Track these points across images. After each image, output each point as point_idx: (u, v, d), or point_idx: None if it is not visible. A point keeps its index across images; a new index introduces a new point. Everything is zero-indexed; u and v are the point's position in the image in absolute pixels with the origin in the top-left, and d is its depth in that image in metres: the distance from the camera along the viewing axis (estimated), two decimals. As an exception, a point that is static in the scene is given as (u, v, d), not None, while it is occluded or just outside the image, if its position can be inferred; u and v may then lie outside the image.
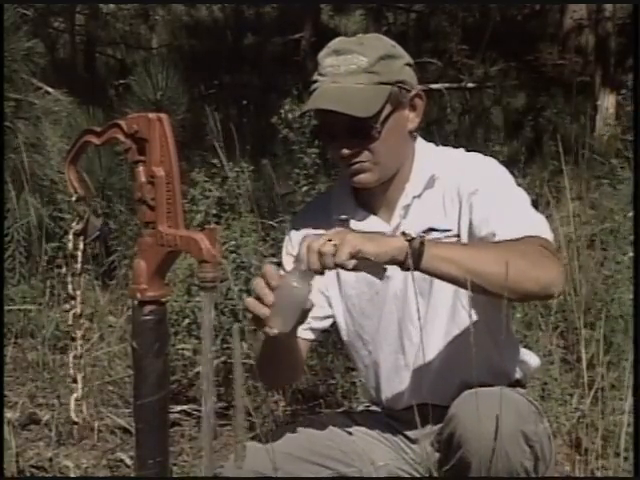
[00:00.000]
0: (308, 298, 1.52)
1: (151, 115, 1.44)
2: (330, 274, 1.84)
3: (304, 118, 3.37)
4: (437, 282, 1.75)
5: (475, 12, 8.76)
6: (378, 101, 1.72)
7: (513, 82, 7.67)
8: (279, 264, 1.93)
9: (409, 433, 1.85)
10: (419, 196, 1.79)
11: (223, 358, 2.78)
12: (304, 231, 1.85)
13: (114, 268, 3.62)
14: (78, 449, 2.58)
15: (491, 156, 1.83)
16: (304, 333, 1.82)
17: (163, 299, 1.46)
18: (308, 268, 1.50)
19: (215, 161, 3.55)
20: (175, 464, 2.45)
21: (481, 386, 1.67)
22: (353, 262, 1.50)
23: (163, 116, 1.44)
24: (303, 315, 1.55)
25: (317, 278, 1.83)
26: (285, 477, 1.73)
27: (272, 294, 1.50)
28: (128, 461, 2.48)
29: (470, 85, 7.58)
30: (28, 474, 2.42)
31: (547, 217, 1.78)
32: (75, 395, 1.52)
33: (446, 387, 1.79)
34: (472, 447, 1.57)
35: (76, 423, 1.52)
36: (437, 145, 1.87)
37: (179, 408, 2.80)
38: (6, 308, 3.20)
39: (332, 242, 1.50)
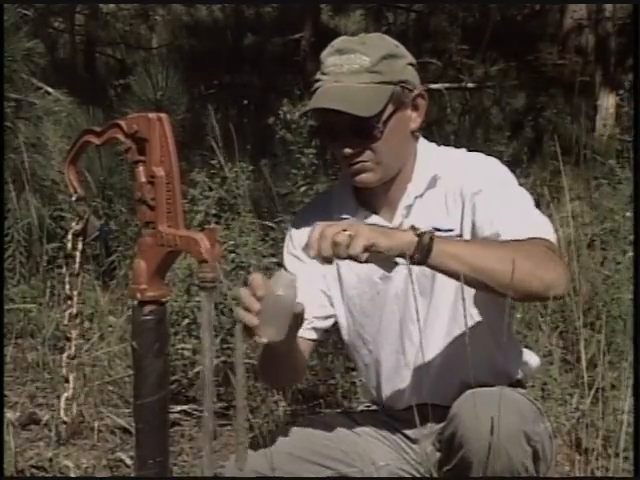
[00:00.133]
0: (296, 302, 1.51)
1: (151, 115, 1.44)
2: (331, 274, 1.84)
3: (301, 118, 3.38)
4: (439, 282, 1.76)
5: (475, 12, 8.76)
6: (380, 101, 1.72)
7: (513, 82, 7.67)
8: (279, 264, 1.93)
9: (410, 433, 1.85)
10: (421, 196, 1.79)
11: (223, 358, 2.78)
12: (305, 230, 1.85)
13: (114, 268, 3.62)
14: (78, 449, 2.58)
15: (493, 156, 1.83)
16: (307, 333, 1.82)
17: (163, 299, 1.46)
18: (318, 255, 1.49)
19: (214, 161, 3.55)
20: (175, 464, 2.45)
21: (482, 386, 1.67)
22: (366, 255, 1.49)
23: (163, 116, 1.44)
24: (296, 318, 1.54)
25: (317, 277, 1.84)
26: (285, 477, 1.73)
27: (258, 303, 1.49)
28: (128, 461, 2.48)
29: (470, 85, 7.57)
30: (28, 474, 2.42)
31: (547, 217, 1.78)
32: (66, 394, 1.52)
33: (447, 387, 1.80)
34: (473, 447, 1.57)
35: (65, 422, 1.52)
36: (438, 145, 1.87)
37: (179, 408, 2.80)
38: (6, 308, 3.20)
39: (347, 232, 1.49)
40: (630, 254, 3.26)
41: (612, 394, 2.46)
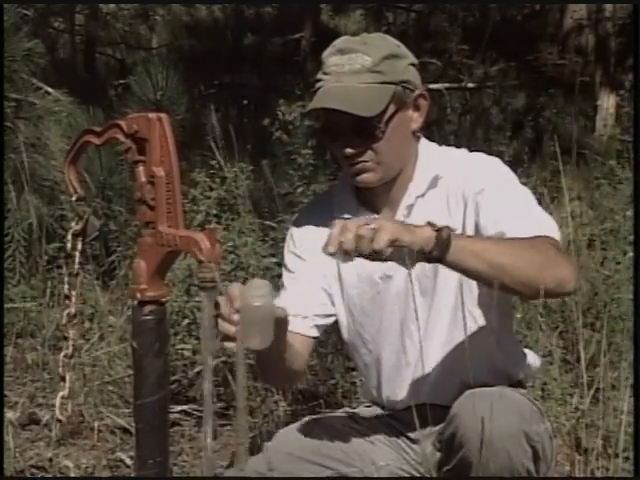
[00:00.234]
0: (276, 308, 1.48)
1: (151, 115, 1.44)
2: (332, 273, 1.84)
3: (298, 119, 3.38)
4: (440, 282, 1.76)
5: (475, 12, 8.75)
6: (382, 101, 1.72)
7: (513, 82, 7.67)
8: (279, 264, 1.93)
9: (410, 433, 1.85)
10: (422, 196, 1.79)
11: (223, 358, 2.78)
12: (306, 229, 1.86)
13: (114, 268, 3.62)
14: (78, 449, 2.58)
15: (493, 156, 1.83)
16: (307, 330, 1.82)
17: (163, 299, 1.46)
18: (340, 249, 1.45)
19: (214, 162, 3.56)
20: (175, 464, 2.45)
21: (482, 386, 1.67)
22: (390, 250, 1.46)
23: (163, 116, 1.44)
24: (279, 324, 1.51)
25: (318, 276, 1.84)
26: (285, 477, 1.73)
27: (236, 314, 1.45)
28: (128, 461, 2.48)
29: (470, 85, 7.57)
30: (28, 474, 2.42)
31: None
32: (62, 393, 1.52)
33: (447, 387, 1.80)
34: (473, 447, 1.57)
35: (60, 421, 1.52)
36: (440, 145, 1.87)
37: (179, 408, 2.80)
38: (6, 308, 3.20)
39: (370, 226, 1.46)
40: (630, 254, 3.26)
41: (612, 394, 2.46)
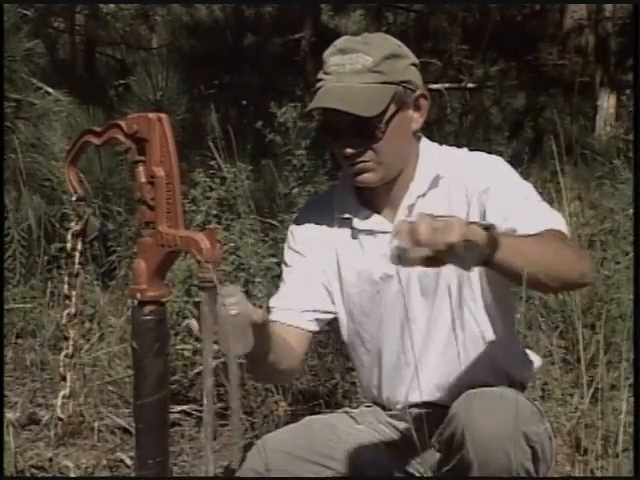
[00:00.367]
0: (253, 311, 1.46)
1: (151, 115, 1.43)
2: (332, 270, 1.84)
3: (288, 121, 3.38)
4: (442, 282, 1.76)
5: (475, 12, 8.76)
6: (383, 101, 1.72)
7: (513, 82, 7.67)
8: (280, 264, 1.93)
9: (410, 433, 1.84)
10: (423, 195, 1.79)
11: (223, 359, 2.77)
12: (306, 227, 1.86)
13: (114, 268, 3.62)
14: (78, 449, 2.58)
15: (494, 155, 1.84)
16: (306, 324, 1.82)
17: (163, 299, 1.46)
18: (415, 241, 1.38)
19: (214, 162, 3.56)
20: (175, 464, 2.46)
21: (483, 386, 1.67)
22: (463, 246, 1.41)
23: (163, 116, 1.44)
24: (259, 327, 1.49)
25: (318, 272, 1.84)
26: (285, 477, 1.73)
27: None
28: (128, 461, 2.48)
29: (470, 85, 7.58)
30: (28, 474, 2.42)
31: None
32: (63, 392, 1.52)
33: (448, 387, 1.80)
34: (473, 447, 1.57)
35: (62, 420, 1.53)
36: (440, 145, 1.87)
37: (179, 408, 2.80)
38: (6, 308, 3.20)
39: (442, 219, 1.41)
40: (630, 254, 3.26)
41: (612, 394, 2.46)
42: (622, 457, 2.15)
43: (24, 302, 3.34)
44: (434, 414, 1.80)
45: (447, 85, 7.30)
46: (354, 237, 1.83)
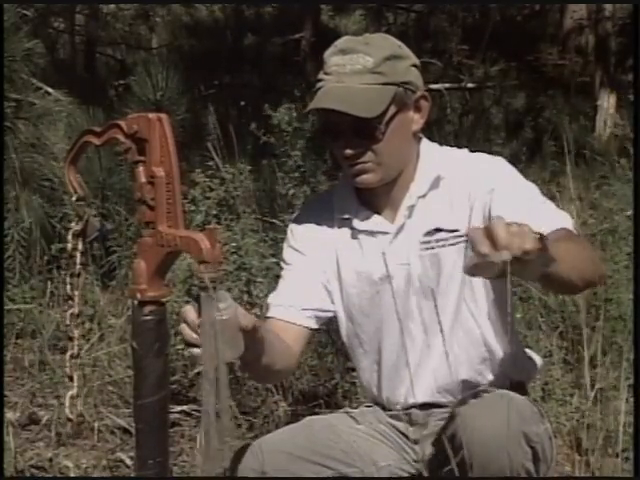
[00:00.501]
0: (242, 318, 1.45)
1: (151, 115, 1.43)
2: (331, 269, 1.84)
3: (282, 122, 3.39)
4: (442, 282, 1.76)
5: (475, 12, 8.76)
6: (383, 102, 1.71)
7: (513, 82, 7.67)
8: (279, 263, 1.93)
9: (410, 433, 1.84)
10: (424, 196, 1.79)
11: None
12: (306, 226, 1.86)
13: (114, 268, 3.62)
14: (78, 449, 2.58)
15: (494, 156, 1.83)
16: (304, 321, 1.82)
17: (163, 299, 1.46)
18: (497, 247, 1.33)
19: (213, 162, 3.56)
20: (175, 464, 2.46)
21: (483, 387, 1.67)
22: (536, 253, 1.36)
23: (163, 116, 1.43)
24: (249, 332, 1.47)
25: (318, 271, 1.84)
26: (285, 477, 1.73)
27: (198, 337, 1.42)
28: (128, 461, 2.48)
29: (470, 85, 7.58)
30: (28, 474, 2.42)
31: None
32: (71, 393, 1.52)
33: (448, 387, 1.80)
34: (474, 448, 1.57)
35: (71, 420, 1.53)
36: (440, 145, 1.87)
37: (179, 408, 2.80)
38: (6, 308, 3.20)
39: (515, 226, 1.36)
40: (630, 254, 3.26)
41: (612, 394, 2.46)
42: (622, 457, 2.15)
43: (24, 302, 3.34)
44: (434, 415, 1.80)
45: (447, 85, 7.30)
46: (354, 237, 1.83)
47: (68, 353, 1.53)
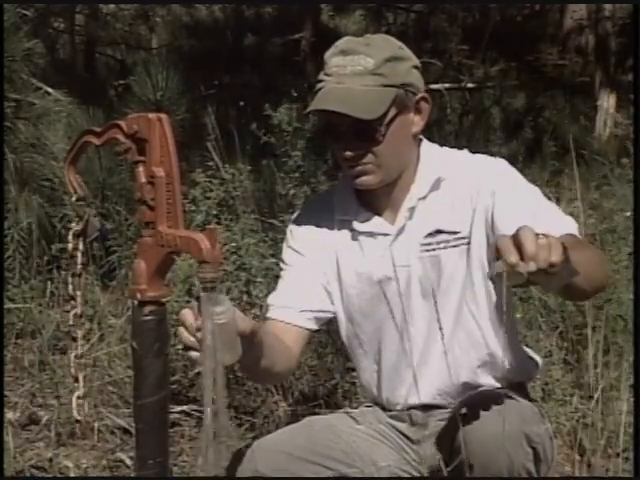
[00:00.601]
0: (240, 323, 1.45)
1: (151, 115, 1.43)
2: (331, 270, 1.84)
3: (282, 122, 3.39)
4: (443, 284, 1.76)
5: (475, 12, 8.76)
6: (383, 103, 1.71)
7: (513, 82, 7.68)
8: (277, 264, 1.93)
9: (410, 434, 1.84)
10: (424, 198, 1.79)
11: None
12: (306, 226, 1.86)
13: (114, 268, 3.62)
14: (78, 449, 2.58)
15: (494, 156, 1.83)
16: (304, 322, 1.82)
17: (163, 299, 1.46)
18: (525, 258, 1.33)
19: (210, 163, 3.56)
20: (175, 464, 2.45)
21: (484, 388, 1.67)
22: (562, 265, 1.36)
23: (163, 116, 1.43)
24: (247, 336, 1.48)
25: (318, 272, 1.84)
26: (285, 477, 1.73)
27: (199, 332, 1.40)
28: (128, 461, 2.48)
29: (470, 85, 7.58)
30: (28, 474, 2.42)
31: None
32: (77, 393, 1.52)
33: (448, 388, 1.80)
34: (474, 448, 1.57)
35: (78, 421, 1.52)
36: (441, 146, 1.87)
37: (179, 408, 2.80)
38: (6, 308, 3.20)
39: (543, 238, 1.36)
40: (630, 254, 3.26)
41: (612, 394, 2.46)
42: (622, 457, 2.15)
43: (24, 302, 3.34)
44: (434, 415, 1.80)
45: (447, 85, 7.30)
46: (354, 239, 1.83)
47: (72, 354, 1.53)
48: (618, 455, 2.18)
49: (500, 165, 1.79)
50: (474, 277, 1.76)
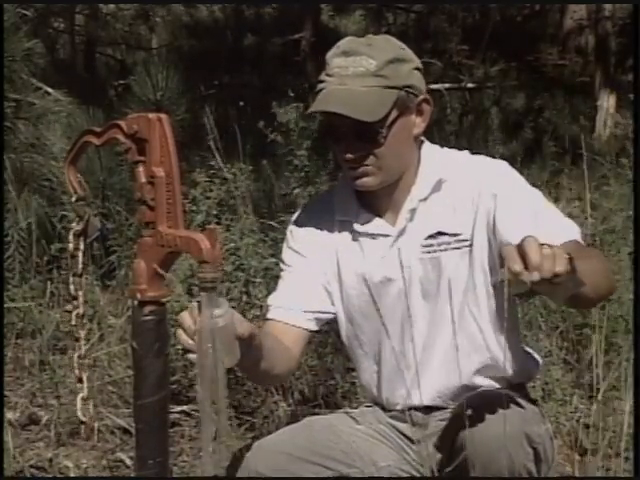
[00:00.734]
0: (239, 326, 1.44)
1: (151, 115, 1.43)
2: (332, 271, 1.84)
3: (290, 122, 3.38)
4: (444, 286, 1.75)
5: (475, 12, 8.77)
6: (385, 105, 1.71)
7: (513, 82, 7.68)
8: (277, 264, 1.93)
9: (410, 434, 1.84)
10: (425, 199, 1.78)
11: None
12: (307, 227, 1.86)
13: (114, 268, 3.62)
14: (78, 449, 2.58)
15: (493, 157, 1.83)
16: (304, 323, 1.82)
17: (163, 299, 1.46)
18: (530, 268, 1.33)
19: (212, 163, 3.56)
20: (175, 464, 2.45)
21: (484, 388, 1.67)
22: (566, 276, 1.36)
23: (163, 116, 1.43)
24: (245, 340, 1.47)
25: (318, 273, 1.84)
26: (285, 477, 1.73)
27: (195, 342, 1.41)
28: (128, 461, 2.48)
29: (470, 85, 7.58)
30: (28, 474, 2.42)
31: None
32: (81, 395, 1.52)
33: (449, 389, 1.79)
34: (475, 448, 1.57)
35: (83, 423, 1.52)
36: (441, 147, 1.86)
37: (179, 408, 2.80)
38: (6, 308, 3.20)
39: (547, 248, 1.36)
40: (630, 254, 3.26)
41: (612, 394, 2.46)
42: (622, 457, 2.15)
43: (24, 302, 3.34)
44: (434, 416, 1.80)
45: (447, 85, 7.30)
46: (354, 240, 1.83)
47: (75, 354, 1.53)
48: (618, 455, 2.18)
49: (501, 167, 1.78)
50: (476, 279, 1.76)
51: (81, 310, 1.53)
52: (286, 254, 1.88)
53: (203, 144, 3.97)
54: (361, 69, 1.70)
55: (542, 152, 5.97)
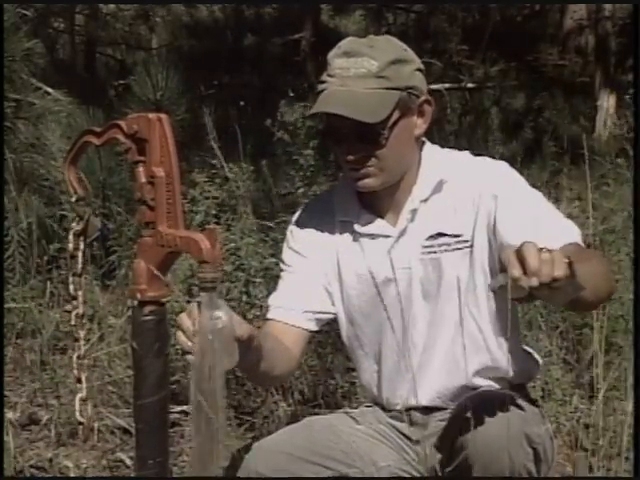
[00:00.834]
0: (238, 328, 1.43)
1: (151, 115, 1.43)
2: (332, 271, 1.84)
3: (299, 120, 3.38)
4: (444, 287, 1.75)
5: (475, 12, 8.77)
6: (386, 107, 1.70)
7: (513, 82, 7.68)
8: (277, 264, 1.93)
9: (410, 434, 1.84)
10: (426, 200, 1.78)
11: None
12: (307, 227, 1.86)
13: (114, 268, 3.62)
14: (78, 449, 2.58)
15: (493, 157, 1.83)
16: (305, 323, 1.82)
17: (163, 299, 1.46)
18: (529, 273, 1.33)
19: (214, 162, 3.56)
20: (175, 464, 2.45)
21: (484, 388, 1.67)
22: (565, 281, 1.36)
23: (163, 116, 1.43)
24: (244, 342, 1.47)
25: (319, 273, 1.84)
26: (285, 477, 1.73)
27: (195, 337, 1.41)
28: (128, 461, 2.48)
29: (470, 85, 7.58)
30: (28, 474, 2.42)
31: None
32: (80, 395, 1.52)
33: (449, 389, 1.79)
34: (475, 449, 1.57)
35: (81, 423, 1.52)
36: (442, 147, 1.86)
37: (179, 408, 2.80)
38: (6, 307, 3.20)
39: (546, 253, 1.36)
40: (630, 254, 3.26)
41: (612, 394, 2.46)
42: (623, 457, 2.15)
43: (24, 302, 3.34)
44: (434, 416, 1.80)
45: (447, 85, 7.30)
46: (355, 240, 1.83)
47: (75, 354, 1.53)
48: (619, 455, 2.18)
49: (502, 168, 1.78)
50: (476, 280, 1.76)
51: (81, 310, 1.53)
52: (286, 254, 1.88)
53: (203, 144, 3.97)
54: (363, 70, 1.70)
55: (542, 152, 5.97)
